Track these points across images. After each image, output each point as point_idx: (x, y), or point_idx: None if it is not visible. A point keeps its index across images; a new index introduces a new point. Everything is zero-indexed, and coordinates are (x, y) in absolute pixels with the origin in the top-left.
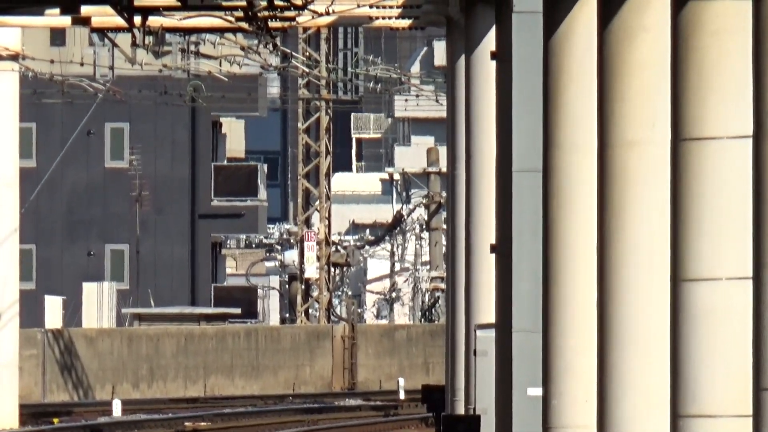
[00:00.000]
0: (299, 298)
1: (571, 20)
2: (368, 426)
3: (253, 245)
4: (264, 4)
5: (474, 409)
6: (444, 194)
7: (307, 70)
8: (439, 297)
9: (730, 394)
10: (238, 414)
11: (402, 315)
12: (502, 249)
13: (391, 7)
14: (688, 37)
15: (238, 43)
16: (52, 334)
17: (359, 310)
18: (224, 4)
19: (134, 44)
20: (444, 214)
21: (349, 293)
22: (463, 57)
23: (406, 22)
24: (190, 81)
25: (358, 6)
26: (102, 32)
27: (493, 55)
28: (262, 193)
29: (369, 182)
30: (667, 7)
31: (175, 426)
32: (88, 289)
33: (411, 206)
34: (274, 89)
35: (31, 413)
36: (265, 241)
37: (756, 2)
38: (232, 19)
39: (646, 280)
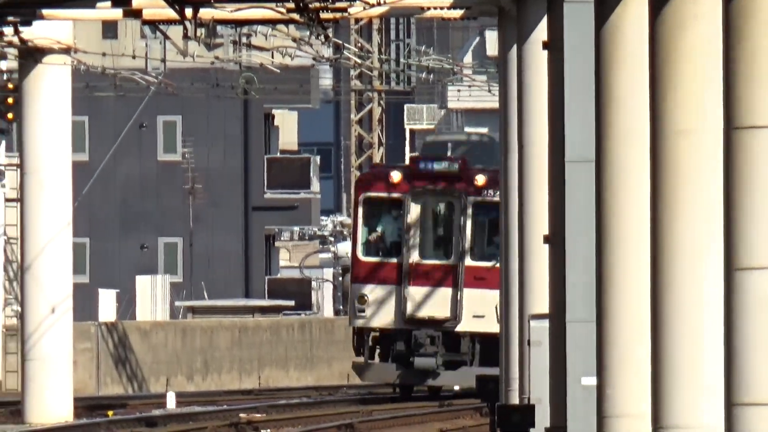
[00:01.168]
0: None
1: (622, 9)
2: (423, 416)
3: (307, 237)
4: None
5: (528, 399)
6: None
7: (359, 61)
8: None
9: None
10: (293, 405)
11: None
12: (556, 239)
13: None
14: (739, 25)
15: (290, 34)
16: (106, 328)
17: None
18: None
19: (186, 36)
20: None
21: None
22: (515, 47)
23: (458, 13)
24: (242, 73)
25: None
26: (153, 25)
27: (545, 45)
28: (315, 185)
29: None
30: None
31: (230, 418)
32: (142, 282)
33: None
34: (326, 81)
35: (85, 406)
36: (318, 233)
37: None
38: (284, 11)
39: (699, 269)
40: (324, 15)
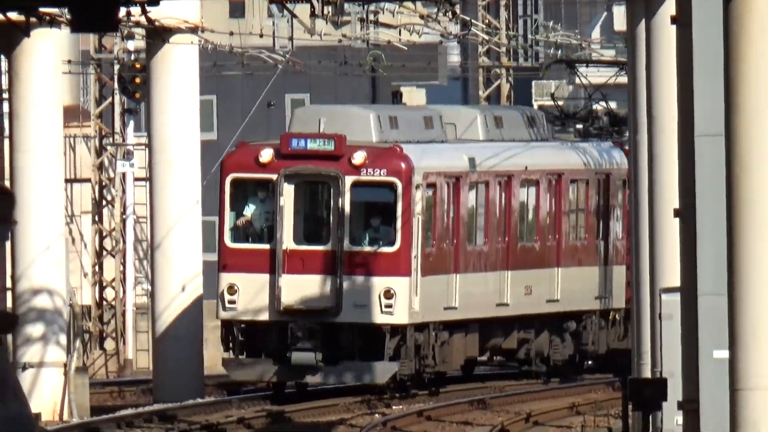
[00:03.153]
0: None
1: None
2: (554, 391)
3: None
4: None
5: (660, 372)
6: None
7: (487, 37)
8: None
9: None
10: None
11: None
12: (686, 213)
13: None
14: None
15: (418, 11)
16: None
17: None
18: None
19: (313, 15)
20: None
21: None
22: (643, 22)
23: None
24: (369, 51)
25: None
26: (281, 3)
27: (674, 20)
28: None
29: None
30: None
31: (361, 395)
32: None
33: None
34: (454, 57)
35: (216, 384)
36: None
37: None
38: None
39: None
40: None
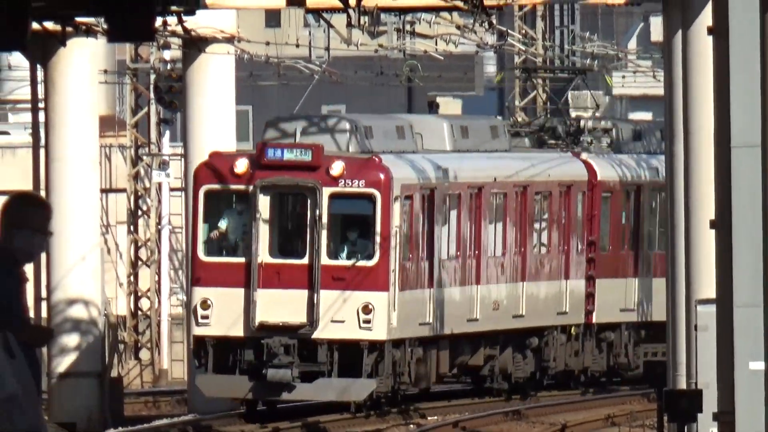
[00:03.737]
0: None
1: None
2: (589, 402)
3: None
4: None
5: (696, 383)
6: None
7: (523, 48)
8: None
9: None
10: (460, 391)
11: None
12: (722, 224)
13: None
14: None
15: (454, 21)
16: None
17: None
18: None
19: (350, 24)
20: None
21: None
22: (680, 32)
23: None
24: (406, 61)
25: None
26: (317, 13)
27: (710, 31)
28: None
29: None
30: None
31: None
32: None
33: None
34: (490, 68)
35: None
36: None
37: None
38: None
39: None
40: (488, 2)
